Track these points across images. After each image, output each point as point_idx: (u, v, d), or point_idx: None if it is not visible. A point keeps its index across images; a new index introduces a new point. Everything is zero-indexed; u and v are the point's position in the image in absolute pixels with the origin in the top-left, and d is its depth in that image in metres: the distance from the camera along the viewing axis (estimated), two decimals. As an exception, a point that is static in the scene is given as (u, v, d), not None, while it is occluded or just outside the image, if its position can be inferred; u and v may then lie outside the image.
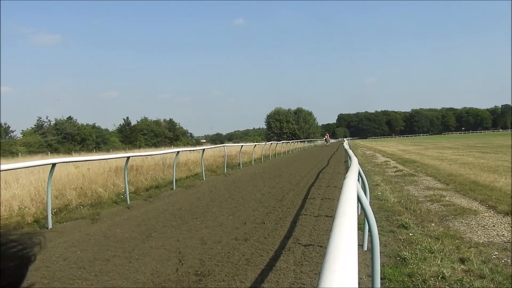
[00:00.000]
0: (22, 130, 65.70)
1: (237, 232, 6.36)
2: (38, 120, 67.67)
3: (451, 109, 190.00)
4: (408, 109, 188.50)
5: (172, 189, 11.41)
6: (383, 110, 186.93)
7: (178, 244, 5.75)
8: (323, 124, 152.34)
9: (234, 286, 4.06)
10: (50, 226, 6.82)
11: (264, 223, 6.93)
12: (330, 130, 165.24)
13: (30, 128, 66.19)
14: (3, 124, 61.15)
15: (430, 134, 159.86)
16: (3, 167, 6.52)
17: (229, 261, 4.86)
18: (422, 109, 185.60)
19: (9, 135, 63.06)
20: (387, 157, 24.83)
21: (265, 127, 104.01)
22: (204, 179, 13.97)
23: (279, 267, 4.55)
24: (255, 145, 24.65)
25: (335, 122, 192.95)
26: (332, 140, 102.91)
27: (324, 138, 69.26)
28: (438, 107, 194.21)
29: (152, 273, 4.53)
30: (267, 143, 31.37)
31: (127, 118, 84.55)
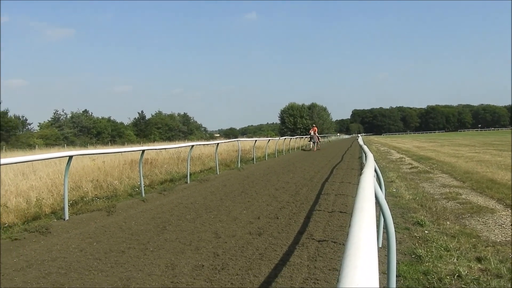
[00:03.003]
0: (39, 123, 66.84)
1: (251, 226, 6.37)
2: (54, 113, 68.85)
3: (467, 106, 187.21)
4: (424, 106, 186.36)
5: (186, 182, 11.48)
6: (398, 106, 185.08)
7: (192, 237, 5.79)
8: (337, 120, 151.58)
9: (248, 280, 4.07)
10: (67, 217, 6.92)
11: (278, 218, 6.93)
12: (344, 125, 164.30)
13: (47, 121, 67.28)
14: (20, 117, 62.13)
15: (446, 131, 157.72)
16: (22, 158, 6.64)
17: (243, 255, 4.87)
18: (438, 105, 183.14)
19: (27, 127, 64.19)
20: (402, 154, 24.58)
21: (279, 122, 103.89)
22: (218, 173, 14.02)
23: (292, 262, 4.55)
24: (269, 140, 24.63)
25: (349, 117, 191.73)
26: (345, 136, 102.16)
27: (310, 135, 32.55)
28: (455, 103, 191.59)
29: (167, 265, 4.57)
30: (280, 138, 31.31)
31: (142, 112, 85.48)
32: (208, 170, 15.07)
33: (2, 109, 54.74)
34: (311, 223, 6.46)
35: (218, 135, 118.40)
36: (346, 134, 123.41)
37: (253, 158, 19.73)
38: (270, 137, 36.36)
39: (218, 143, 15.84)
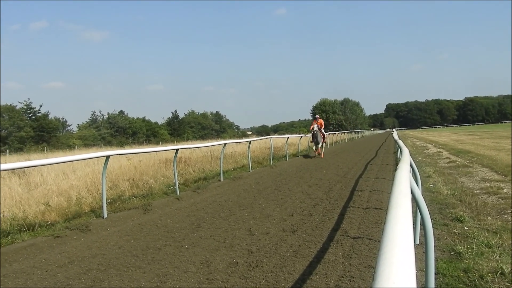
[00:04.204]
0: (78, 124, 69.15)
1: (285, 223, 6.36)
2: (92, 114, 71.00)
3: (508, 96, 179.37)
4: (461, 97, 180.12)
5: (219, 180, 11.59)
6: (434, 99, 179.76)
7: (226, 234, 5.84)
8: (370, 115, 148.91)
9: (282, 278, 4.07)
10: (105, 215, 7.13)
11: (311, 215, 6.89)
12: (378, 120, 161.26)
13: (85, 122, 69.52)
14: (60, 119, 64.50)
15: (485, 123, 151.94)
16: (62, 159, 6.89)
17: (277, 253, 4.87)
18: (477, 97, 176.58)
19: (66, 129, 66.57)
20: (439, 148, 23.88)
21: (311, 118, 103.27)
22: (250, 170, 14.07)
23: (327, 259, 4.51)
24: (301, 136, 24.47)
25: (383, 112, 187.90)
26: (379, 131, 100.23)
27: (312, 130, 19.64)
28: (494, 94, 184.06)
29: (202, 262, 4.63)
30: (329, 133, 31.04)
31: (175, 111, 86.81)
32: (241, 168, 15.14)
33: (43, 112, 56.92)
34: (345, 220, 6.39)
35: (250, 132, 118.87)
36: (380, 129, 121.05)
37: (285, 155, 19.68)
38: (303, 133, 36.19)
39: (250, 141, 15.89)
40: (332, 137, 36.30)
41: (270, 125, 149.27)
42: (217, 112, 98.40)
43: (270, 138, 19.18)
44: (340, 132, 48.12)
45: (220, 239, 5.61)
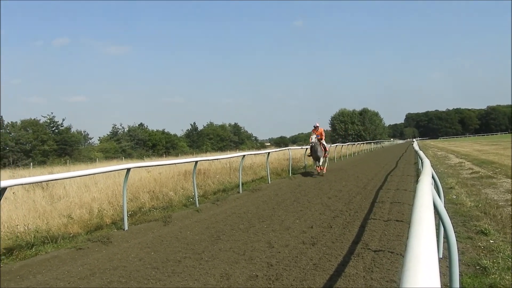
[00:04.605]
0: (99, 137, 70.35)
1: (304, 236, 6.32)
2: (113, 127, 72.13)
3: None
4: (483, 106, 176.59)
5: (238, 192, 11.60)
6: (455, 108, 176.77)
7: (246, 247, 5.83)
8: (390, 125, 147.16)
9: (303, 291, 4.03)
10: (126, 227, 7.20)
11: (331, 227, 6.82)
12: (398, 130, 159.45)
13: (106, 135, 70.67)
14: (82, 132, 65.75)
15: (509, 132, 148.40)
16: (84, 172, 7.03)
17: (297, 266, 4.83)
18: (499, 105, 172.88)
19: (88, 142, 67.72)
20: (461, 158, 23.42)
21: (330, 129, 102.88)
22: (269, 182, 14.04)
23: (348, 273, 4.45)
24: (320, 147, 24.35)
25: (403, 122, 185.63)
26: (399, 141, 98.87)
27: (311, 144, 16.31)
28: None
29: (222, 275, 4.63)
30: (332, 145, 30.90)
31: (194, 123, 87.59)
32: (260, 179, 15.13)
33: (65, 125, 58.15)
34: (366, 232, 6.30)
35: (269, 144, 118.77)
36: (400, 139, 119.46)
37: (304, 166, 19.60)
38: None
39: (269, 152, 15.89)
40: (352, 147, 35.96)
41: (288, 136, 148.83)
42: (235, 124, 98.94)
43: (288, 149, 19.14)
44: (359, 142, 47.68)
45: (240, 251, 5.60)
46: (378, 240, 5.81)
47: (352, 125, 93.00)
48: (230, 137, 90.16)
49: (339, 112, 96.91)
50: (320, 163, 16.20)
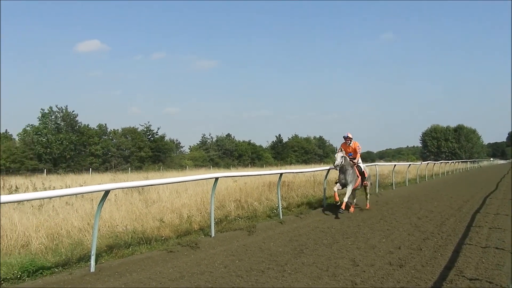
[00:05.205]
0: (190, 146, 74.11)
1: (391, 256, 6.06)
2: (202, 137, 75.59)
3: None
4: None
5: (322, 206, 11.46)
6: None
7: (329, 262, 5.75)
8: (489, 143, 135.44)
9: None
10: (213, 234, 7.50)
11: (421, 249, 6.47)
12: (499, 149, 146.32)
13: (196, 144, 74.23)
14: (175, 140, 69.77)
15: None
16: (177, 179, 7.48)
17: (383, 287, 4.66)
18: None
19: (179, 150, 71.63)
20: None
21: (420, 145, 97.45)
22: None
23: (439, 299, 4.19)
24: (410, 164, 23.22)
25: (504, 140, 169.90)
26: (501, 161, 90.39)
27: (336, 163, 10.33)
28: None
29: (304, 289, 4.61)
30: (422, 162, 29.28)
31: (279, 135, 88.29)
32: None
33: (160, 134, 62.19)
34: (461, 258, 5.87)
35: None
36: (502, 159, 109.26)
37: (392, 183, 18.80)
38: (411, 161, 34.20)
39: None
40: (444, 166, 33.72)
41: (375, 151, 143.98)
42: (320, 137, 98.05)
43: (375, 165, 18.51)
44: (453, 161, 44.53)
45: (323, 267, 5.54)
46: (475, 267, 5.38)
47: (445, 142, 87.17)
48: (315, 150, 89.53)
49: (431, 128, 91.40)
50: (347, 198, 10.30)
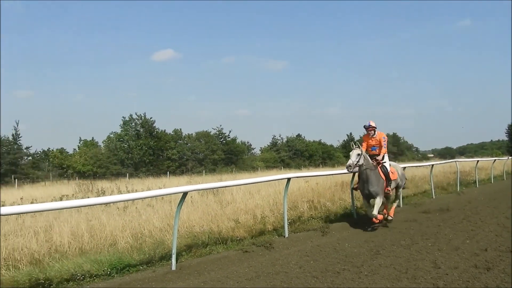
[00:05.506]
0: (261, 147, 74.97)
1: (477, 259, 5.70)
2: (273, 138, 76.10)
3: None
4: None
5: (399, 206, 11.04)
6: None
7: (408, 264, 5.55)
8: None
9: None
10: (286, 235, 7.55)
11: (511, 251, 6.00)
12: None
13: (267, 145, 74.90)
14: (246, 142, 71.07)
15: None
16: (248, 180, 7.65)
17: (468, 291, 4.40)
18: None
19: (250, 152, 72.77)
20: None
21: (506, 139, 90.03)
22: (433, 197, 13.04)
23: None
24: (495, 160, 21.59)
25: None
26: None
27: (351, 162, 7.81)
28: None
29: (382, 291, 4.49)
30: (509, 157, 27.07)
31: (350, 134, 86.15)
32: (422, 193, 14.14)
33: (232, 136, 63.68)
34: (558, 261, 5.37)
35: (432, 155, 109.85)
36: None
37: (475, 181, 17.60)
38: (496, 156, 31.69)
39: (432, 164, 14.77)
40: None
41: (455, 147, 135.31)
42: (394, 134, 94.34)
43: (455, 161, 17.44)
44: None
45: (402, 269, 5.36)
46: None
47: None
48: (389, 148, 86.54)
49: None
50: (376, 211, 8.03)
